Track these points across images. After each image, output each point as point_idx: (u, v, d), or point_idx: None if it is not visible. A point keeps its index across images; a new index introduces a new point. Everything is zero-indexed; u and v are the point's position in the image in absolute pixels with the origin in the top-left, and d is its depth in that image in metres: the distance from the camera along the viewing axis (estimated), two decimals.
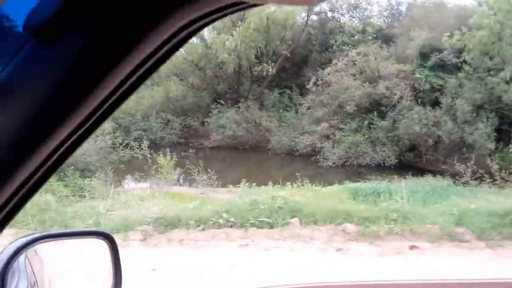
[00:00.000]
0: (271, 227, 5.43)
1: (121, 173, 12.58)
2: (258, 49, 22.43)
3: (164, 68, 27.01)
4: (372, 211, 5.81)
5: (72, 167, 11.00)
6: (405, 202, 6.62)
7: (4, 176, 0.61)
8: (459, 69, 16.68)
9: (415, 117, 15.49)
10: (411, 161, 16.86)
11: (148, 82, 30.30)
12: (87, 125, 0.62)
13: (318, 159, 17.92)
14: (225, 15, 0.61)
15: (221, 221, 5.42)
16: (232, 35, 21.39)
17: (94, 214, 6.14)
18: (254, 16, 21.07)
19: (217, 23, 24.25)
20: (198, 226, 5.43)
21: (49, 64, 0.56)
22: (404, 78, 16.97)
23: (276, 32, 22.50)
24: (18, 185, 0.63)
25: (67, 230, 1.50)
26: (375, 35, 22.40)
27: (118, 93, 0.62)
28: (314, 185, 10.96)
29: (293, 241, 5.16)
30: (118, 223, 5.58)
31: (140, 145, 12.10)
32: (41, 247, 1.15)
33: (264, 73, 22.53)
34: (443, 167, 15.62)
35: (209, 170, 12.40)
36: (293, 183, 10.49)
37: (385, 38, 21.74)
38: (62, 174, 10.25)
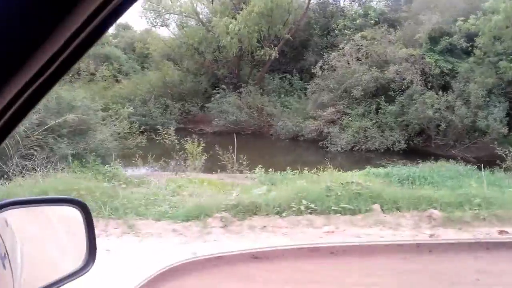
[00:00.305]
0: (353, 213, 5.28)
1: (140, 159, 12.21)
2: (261, 32, 22.04)
3: (158, 52, 26.43)
4: (451, 196, 5.69)
5: (93, 153, 10.62)
6: (485, 187, 6.54)
7: None
8: (468, 53, 16.76)
9: (428, 101, 15.52)
10: (419, 146, 16.96)
11: (142, 66, 29.58)
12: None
13: (325, 144, 17.85)
14: None
15: (302, 207, 5.22)
16: (235, 19, 20.97)
17: (163, 200, 5.87)
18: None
19: (219, 6, 23.76)
20: (278, 213, 5.23)
21: None
22: (414, 62, 16.94)
23: (279, 15, 22.12)
24: None
25: (38, 197, 1.46)
26: (377, 19, 22.33)
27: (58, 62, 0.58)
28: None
29: (380, 228, 5.02)
30: (192, 210, 5.32)
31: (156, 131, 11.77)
32: (11, 215, 1.08)
33: (267, 57, 22.21)
34: (453, 152, 15.82)
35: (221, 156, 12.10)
36: (317, 168, 10.38)
37: (388, 22, 21.66)
38: (83, 160, 9.86)
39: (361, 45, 19.53)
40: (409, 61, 17.09)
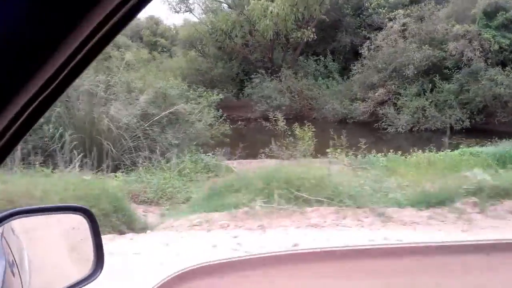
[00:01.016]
0: None
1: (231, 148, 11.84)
2: (297, 14, 21.47)
3: (184, 38, 25.60)
4: None
5: (195, 143, 10.23)
6: None
7: None
8: None
9: (497, 78, 15.39)
10: (479, 124, 16.85)
11: (167, 53, 28.67)
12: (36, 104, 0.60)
13: (381, 125, 17.60)
14: None
15: None
16: (272, 0, 20.38)
17: (385, 187, 5.51)
18: None
19: None
20: None
21: None
22: (472, 39, 16.73)
23: None
24: None
25: (44, 206, 1.36)
26: None
27: (68, 69, 0.59)
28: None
29: None
30: (428, 196, 5.00)
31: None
32: (18, 224, 1.09)
33: (303, 39, 21.74)
34: None
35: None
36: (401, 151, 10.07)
37: None
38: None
39: (406, 23, 19.23)
40: (466, 37, 16.87)
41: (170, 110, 9.80)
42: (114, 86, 9.97)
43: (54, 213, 1.28)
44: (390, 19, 19.98)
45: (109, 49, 12.81)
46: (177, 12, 25.51)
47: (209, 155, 9.82)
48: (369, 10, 22.72)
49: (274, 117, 11.47)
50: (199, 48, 24.91)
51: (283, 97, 20.82)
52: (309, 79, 22.37)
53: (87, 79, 9.62)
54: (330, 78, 22.48)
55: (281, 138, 10.61)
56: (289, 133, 10.73)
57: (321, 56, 23.29)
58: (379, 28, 20.85)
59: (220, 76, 23.79)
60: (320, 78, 22.37)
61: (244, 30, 22.99)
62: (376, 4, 22.39)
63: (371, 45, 19.47)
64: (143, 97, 9.67)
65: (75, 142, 8.47)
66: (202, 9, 25.07)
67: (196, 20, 25.66)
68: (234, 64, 24.63)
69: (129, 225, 5.39)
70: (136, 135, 9.38)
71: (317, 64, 23.11)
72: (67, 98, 9.10)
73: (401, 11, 19.96)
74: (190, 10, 25.19)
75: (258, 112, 21.33)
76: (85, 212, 1.22)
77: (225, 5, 24.31)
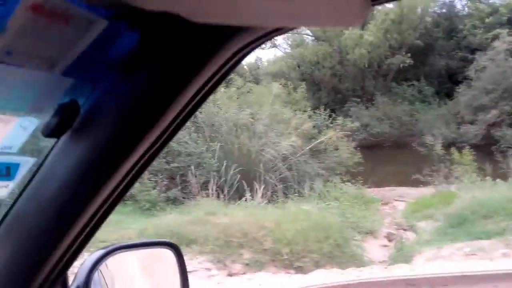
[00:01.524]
0: None
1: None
2: (392, 40, 21.27)
3: (271, 70, 26.10)
4: None
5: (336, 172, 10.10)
6: None
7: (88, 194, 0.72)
8: None
9: None
10: None
11: (253, 82, 29.33)
12: (157, 144, 0.75)
13: (499, 148, 16.62)
14: (270, 38, 0.72)
15: None
16: (366, 29, 20.37)
17: None
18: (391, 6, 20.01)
19: None
20: None
21: (126, 92, 0.69)
22: None
23: (409, 20, 21.35)
24: (102, 200, 0.75)
25: (136, 241, 1.53)
26: (509, 15, 21.16)
27: (182, 115, 0.74)
28: None
29: None
30: None
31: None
32: (112, 259, 1.18)
33: (398, 65, 21.44)
34: None
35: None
36: None
37: None
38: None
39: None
40: None
41: (318, 140, 9.78)
42: (262, 119, 10.14)
43: (146, 248, 1.35)
44: (493, 39, 19.25)
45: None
46: (262, 48, 26.16)
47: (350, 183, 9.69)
48: (463, 32, 22.08)
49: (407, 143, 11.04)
50: (286, 81, 25.23)
51: (381, 124, 20.42)
52: (404, 105, 21.85)
53: (239, 113, 9.86)
54: (426, 103, 21.85)
55: (432, 163, 10.22)
56: (441, 159, 10.26)
57: (413, 81, 22.77)
58: (477, 49, 20.15)
59: (311, 105, 23.82)
60: (416, 103, 21.78)
61: (334, 61, 23.05)
62: (470, 26, 21.75)
63: (476, 66, 18.77)
64: (293, 129, 9.75)
65: (238, 175, 8.59)
66: (288, 44, 25.54)
67: (281, 54, 26.17)
68: (322, 94, 24.63)
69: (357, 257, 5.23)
70: (290, 165, 9.41)
71: (411, 89, 22.58)
72: (227, 132, 9.36)
73: (503, 31, 19.19)
74: (276, 46, 25.73)
75: (357, 141, 21.01)
76: (173, 247, 1.27)
77: (310, 38, 24.59)
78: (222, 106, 10.25)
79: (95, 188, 0.72)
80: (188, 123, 9.36)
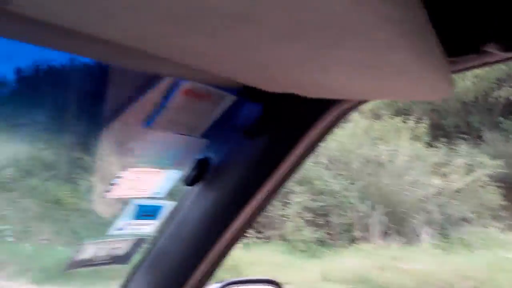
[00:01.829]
0: None
1: None
2: (500, 70, 19.96)
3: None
4: None
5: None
6: None
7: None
8: None
9: None
10: None
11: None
12: (272, 192, 0.91)
13: None
14: (358, 108, 0.88)
15: None
16: None
17: None
18: None
19: None
20: None
21: (248, 151, 0.87)
22: None
23: None
24: (229, 237, 0.92)
25: (242, 278, 1.38)
26: None
27: (291, 168, 0.89)
28: None
29: None
30: None
31: None
32: None
33: (510, 98, 19.94)
34: None
35: None
36: None
37: None
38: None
39: None
40: None
41: (469, 180, 9.06)
42: (397, 156, 9.63)
43: (253, 285, 1.38)
44: None
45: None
46: None
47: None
48: None
49: None
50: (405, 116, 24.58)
51: (495, 162, 18.89)
52: None
53: (372, 149, 9.47)
54: None
55: None
56: None
57: None
58: None
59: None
60: None
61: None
62: None
63: None
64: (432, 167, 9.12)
65: (384, 216, 8.07)
66: None
67: None
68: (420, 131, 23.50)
69: None
70: (438, 206, 8.73)
71: None
72: (360, 169, 8.96)
73: None
74: None
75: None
76: (276, 284, 1.32)
77: None
78: (353, 142, 9.89)
79: (223, 227, 0.89)
80: (323, 159, 9.07)
